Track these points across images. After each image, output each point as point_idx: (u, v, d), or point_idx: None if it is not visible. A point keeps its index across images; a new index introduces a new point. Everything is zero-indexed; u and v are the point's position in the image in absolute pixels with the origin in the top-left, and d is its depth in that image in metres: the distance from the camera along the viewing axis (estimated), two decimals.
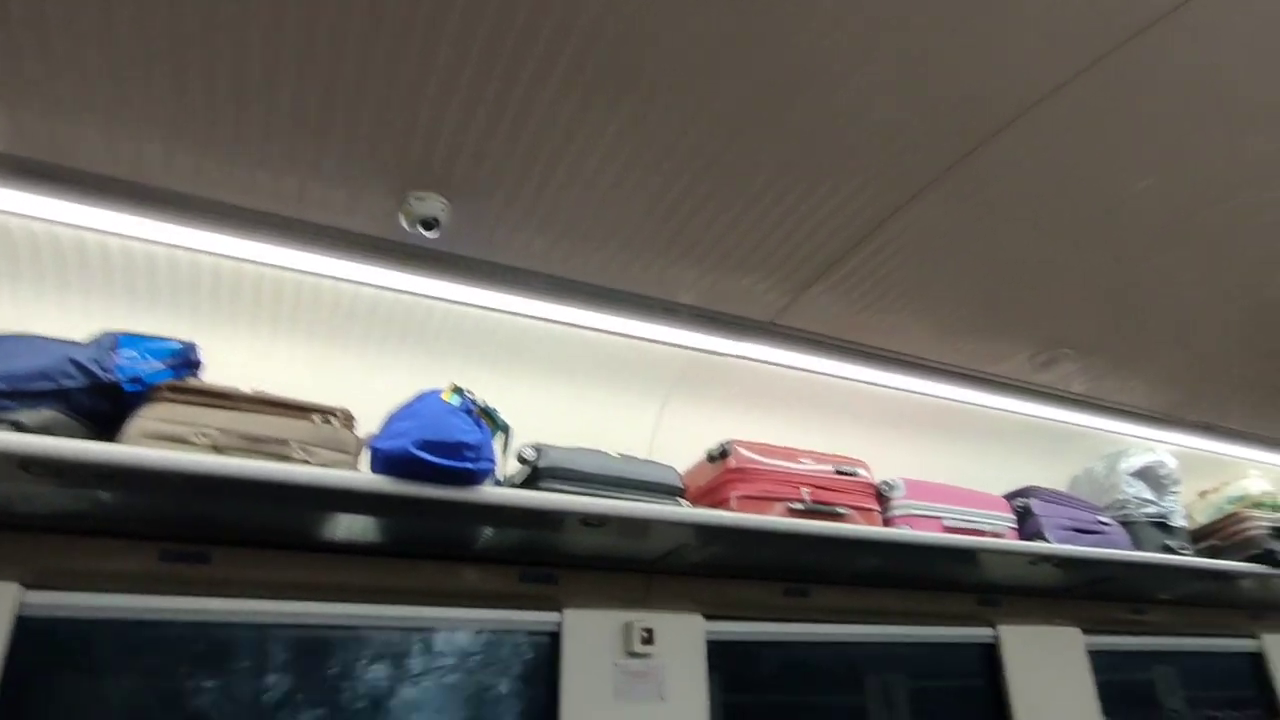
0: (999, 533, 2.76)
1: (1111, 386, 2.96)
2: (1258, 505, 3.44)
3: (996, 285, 2.28)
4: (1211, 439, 3.45)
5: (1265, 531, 3.32)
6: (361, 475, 1.80)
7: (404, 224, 1.77)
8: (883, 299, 2.26)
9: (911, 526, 2.60)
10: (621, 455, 2.27)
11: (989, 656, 3.25)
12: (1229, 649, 4.06)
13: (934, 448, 3.05)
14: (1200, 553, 3.35)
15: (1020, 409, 2.97)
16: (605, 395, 2.54)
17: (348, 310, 2.16)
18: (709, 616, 2.60)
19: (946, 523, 2.68)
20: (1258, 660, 4.00)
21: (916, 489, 2.70)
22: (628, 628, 2.44)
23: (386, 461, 1.81)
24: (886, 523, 2.60)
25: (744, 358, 2.47)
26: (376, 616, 2.23)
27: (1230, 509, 3.48)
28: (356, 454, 1.93)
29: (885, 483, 2.65)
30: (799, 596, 2.82)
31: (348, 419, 1.99)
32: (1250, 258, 2.26)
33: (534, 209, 1.82)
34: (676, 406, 2.62)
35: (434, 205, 1.71)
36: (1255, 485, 3.52)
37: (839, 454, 2.64)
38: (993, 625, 3.22)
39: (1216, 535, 3.40)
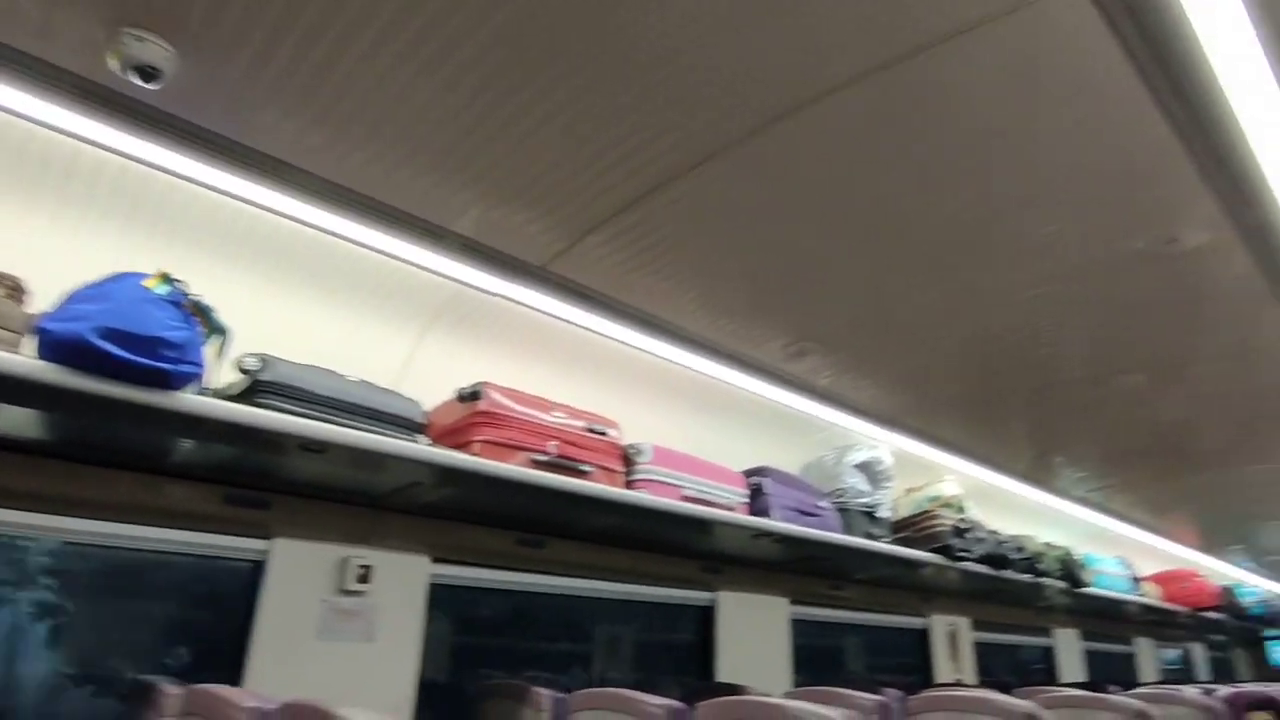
0: (731, 506, 2.91)
1: (849, 385, 3.22)
2: (947, 505, 3.93)
3: (764, 270, 2.36)
4: (923, 443, 3.89)
5: (949, 528, 3.81)
6: (17, 359, 1.49)
7: (114, 66, 1.46)
8: (657, 260, 2.25)
9: (652, 492, 2.66)
10: (360, 381, 2.09)
11: (705, 617, 3.46)
12: (905, 625, 4.66)
13: (686, 418, 3.15)
14: (896, 542, 3.78)
15: (770, 394, 3.14)
16: (355, 316, 2.33)
17: (40, 158, 1.77)
18: (437, 559, 2.51)
19: (686, 492, 2.78)
20: (924, 636, 4.62)
21: (663, 456, 2.77)
22: (343, 563, 2.28)
23: (55, 347, 1.52)
24: (629, 485, 2.64)
25: (512, 300, 2.37)
26: (43, 528, 1.91)
27: (927, 506, 3.95)
28: (22, 333, 1.60)
29: (633, 446, 2.69)
30: (533, 548, 2.80)
31: (16, 289, 1.65)
32: (983, 289, 2.51)
33: (288, 87, 1.59)
34: (434, 340, 2.46)
35: (155, 51, 1.43)
36: (949, 488, 4.02)
37: (593, 412, 2.63)
38: (713, 590, 3.42)
39: (911, 528, 3.85)
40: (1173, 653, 8.27)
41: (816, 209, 2.07)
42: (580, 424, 2.53)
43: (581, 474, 2.44)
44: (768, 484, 3.07)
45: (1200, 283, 2.30)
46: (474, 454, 2.20)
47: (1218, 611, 6.98)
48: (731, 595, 3.43)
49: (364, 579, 2.30)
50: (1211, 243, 2.01)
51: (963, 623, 4.76)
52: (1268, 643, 9.75)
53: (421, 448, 2.03)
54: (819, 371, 3.06)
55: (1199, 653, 8.56)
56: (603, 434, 2.58)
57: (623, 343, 2.70)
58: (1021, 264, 2.27)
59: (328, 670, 2.20)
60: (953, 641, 4.66)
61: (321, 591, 2.25)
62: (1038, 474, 4.84)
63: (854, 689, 2.88)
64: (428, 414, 2.29)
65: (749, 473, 3.12)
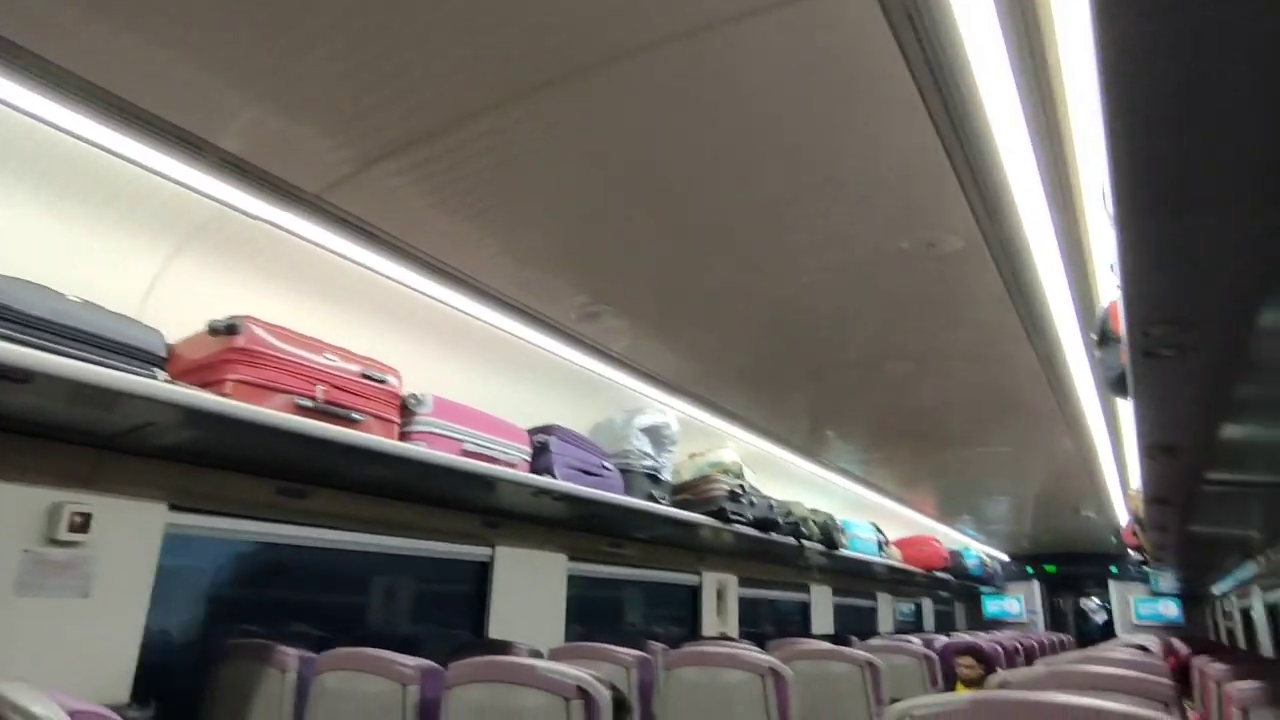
0: (514, 463, 2.88)
1: (643, 350, 3.27)
2: (726, 471, 4.15)
3: (565, 227, 2.31)
4: (709, 412, 4.06)
5: (725, 493, 4.02)
6: None
7: None
8: (453, 202, 2.12)
9: (430, 445, 2.56)
10: (85, 303, 1.82)
11: (482, 572, 3.43)
12: (680, 581, 4.90)
13: (475, 371, 3.06)
14: (675, 504, 3.94)
15: (564, 353, 3.12)
16: (91, 230, 2.01)
17: None
18: (175, 507, 2.27)
19: (467, 446, 2.70)
20: (695, 591, 4.89)
21: (445, 408, 2.67)
22: (55, 510, 2.00)
23: None
24: (404, 436, 2.53)
25: (282, 228, 2.15)
26: None
27: (707, 471, 4.15)
28: None
29: (413, 396, 2.57)
30: (295, 497, 2.61)
31: None
32: (770, 270, 2.60)
33: None
34: (187, 266, 2.19)
35: None
36: (729, 455, 4.25)
37: (373, 358, 2.48)
38: (492, 545, 3.39)
39: (690, 491, 4.02)
40: (908, 606, 9.41)
41: (620, 172, 2.04)
42: (355, 369, 2.37)
43: (351, 422, 2.29)
44: (553, 442, 3.06)
45: (953, 286, 2.54)
46: (223, 394, 1.99)
47: (946, 572, 8.00)
48: (509, 551, 3.42)
49: (81, 527, 2.03)
50: (964, 250, 2.22)
51: (731, 580, 5.09)
52: (984, 597, 11.35)
53: (154, 384, 1.79)
54: (615, 335, 3.08)
55: (928, 606, 9.80)
56: (380, 381, 2.44)
57: (411, 288, 2.55)
58: (804, 250, 2.38)
59: (28, 630, 1.93)
60: (720, 597, 4.97)
61: (25, 541, 1.95)
62: (811, 446, 5.24)
63: (623, 643, 2.98)
64: (172, 347, 2.05)
65: (535, 430, 3.10)
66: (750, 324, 3.14)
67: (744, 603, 5.41)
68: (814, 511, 5.13)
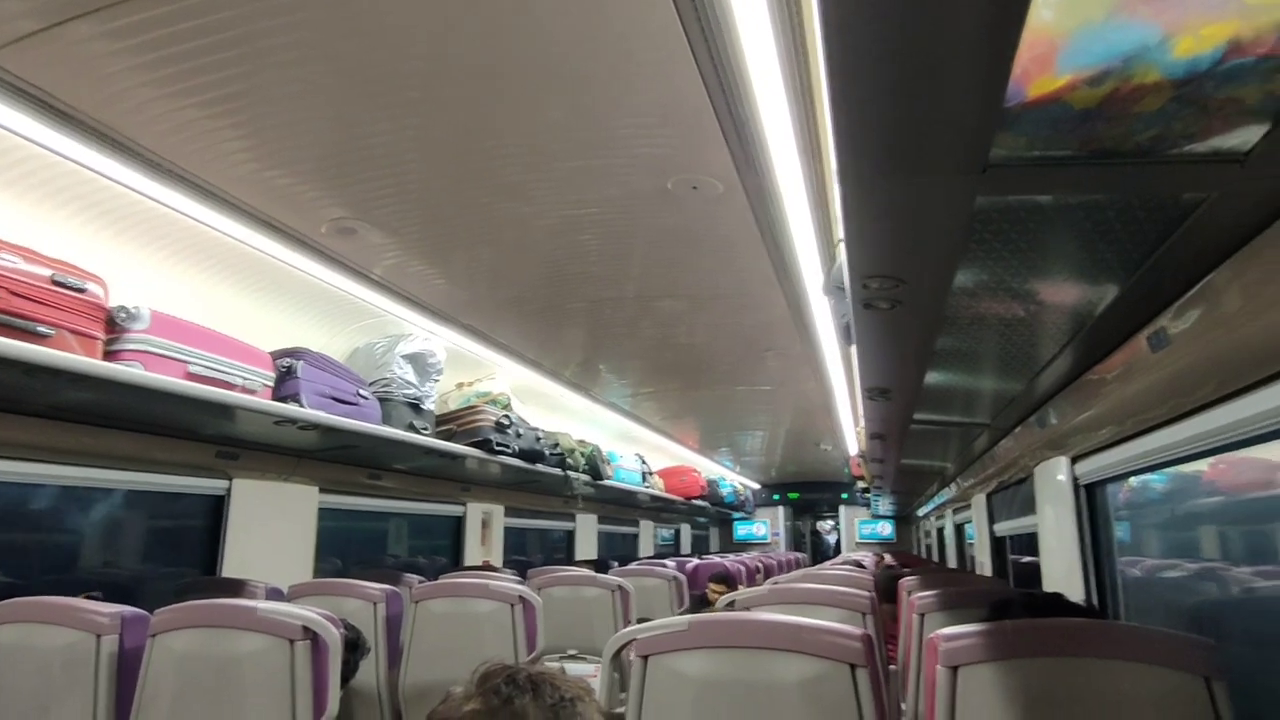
0: (252, 389, 2.62)
1: (408, 274, 3.08)
2: (493, 402, 4.10)
3: (315, 130, 2.06)
4: (478, 341, 3.95)
5: (491, 424, 3.98)
6: None
7: None
8: (178, 84, 1.80)
9: (147, 366, 2.25)
10: None
11: (217, 507, 3.13)
12: (445, 512, 4.83)
13: (208, 286, 2.72)
14: (440, 434, 3.83)
15: (317, 272, 2.85)
16: None
17: None
18: None
19: (193, 369, 2.42)
20: (460, 522, 4.85)
21: (166, 325, 2.36)
22: None
23: None
24: (112, 356, 2.20)
25: None
26: None
27: (474, 401, 4.07)
28: None
29: (124, 309, 2.24)
30: None
31: None
32: (540, 202, 2.52)
33: None
34: None
35: None
36: (497, 386, 4.19)
37: (72, 263, 2.11)
38: (228, 478, 3.10)
39: (456, 421, 3.93)
40: (668, 532, 10.06)
41: (382, 82, 1.84)
42: (43, 272, 2.01)
43: (37, 336, 1.94)
44: (301, 367, 2.83)
45: (714, 228, 2.63)
46: None
47: (704, 499, 8.62)
48: (250, 484, 3.15)
49: None
50: (724, 194, 2.30)
51: (497, 510, 5.10)
52: (735, 522, 12.42)
53: None
54: (374, 255, 2.86)
55: (687, 531, 10.54)
56: (78, 290, 2.09)
57: (125, 185, 2.17)
58: (572, 182, 2.33)
59: None
60: (486, 527, 4.97)
61: None
62: (582, 380, 5.32)
63: (381, 578, 2.87)
64: None
65: (280, 354, 2.84)
66: (521, 254, 3.06)
67: (511, 532, 5.46)
68: (581, 443, 5.25)
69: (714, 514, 10.38)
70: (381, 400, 3.32)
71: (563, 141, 2.12)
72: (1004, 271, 1.33)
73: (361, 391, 3.14)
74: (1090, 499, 2.46)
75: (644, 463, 6.84)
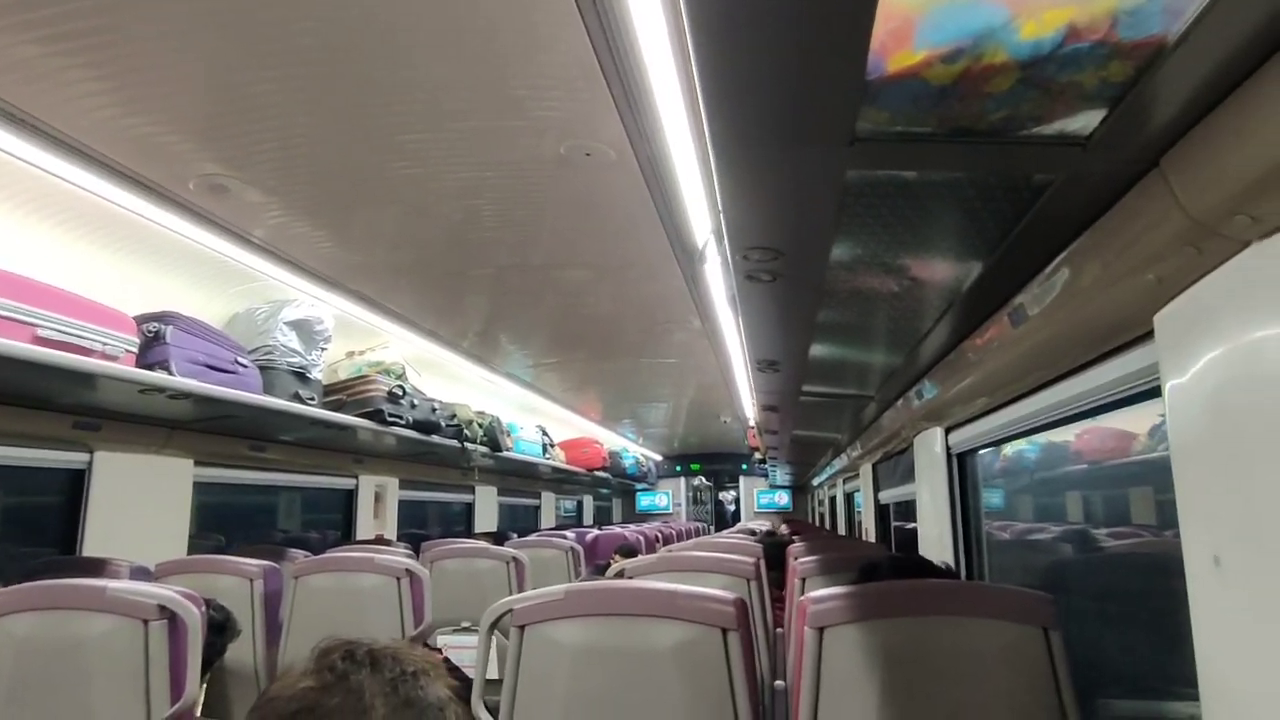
0: (113, 355, 2.44)
1: (294, 236, 2.92)
2: (386, 371, 3.98)
3: (183, 77, 1.90)
4: (371, 309, 3.81)
5: (383, 394, 3.86)
6: None
7: None
8: (14, 15, 1.63)
9: None
10: None
11: (78, 481, 2.92)
12: (336, 485, 4.67)
13: (63, 244, 2.51)
14: (329, 405, 3.69)
15: (190, 232, 2.67)
16: None
17: None
18: None
19: (42, 333, 2.23)
20: (352, 495, 4.71)
21: (11, 285, 2.17)
22: None
23: None
24: None
25: None
26: None
27: (366, 371, 3.93)
28: None
29: None
30: None
31: None
32: (432, 164, 2.42)
33: None
34: None
35: None
36: (390, 355, 4.06)
37: None
38: (89, 450, 2.89)
39: (346, 391, 3.79)
40: (571, 503, 10.08)
41: (267, 28, 1.71)
42: None
43: None
44: (170, 333, 2.66)
45: (610, 197, 2.60)
46: None
47: (606, 471, 8.67)
48: (114, 457, 2.95)
49: None
50: (618, 162, 2.27)
51: (391, 483, 4.97)
52: (638, 493, 12.56)
53: None
54: (253, 215, 2.70)
55: (589, 502, 10.60)
56: None
57: None
58: (464, 145, 2.26)
59: None
60: (379, 500, 4.85)
61: None
62: (482, 350, 5.22)
63: (260, 554, 2.75)
64: None
65: (146, 318, 2.65)
66: (416, 217, 2.95)
67: (407, 505, 5.34)
68: (480, 414, 5.17)
69: (616, 485, 10.47)
70: (263, 369, 3.16)
71: (456, 102, 2.05)
72: (878, 246, 1.37)
73: (240, 359, 2.98)
74: (962, 468, 2.60)
75: (545, 434, 6.80)
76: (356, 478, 4.66)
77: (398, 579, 2.38)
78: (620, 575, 2.29)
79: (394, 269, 3.53)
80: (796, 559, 2.57)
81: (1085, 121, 0.90)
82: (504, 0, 1.61)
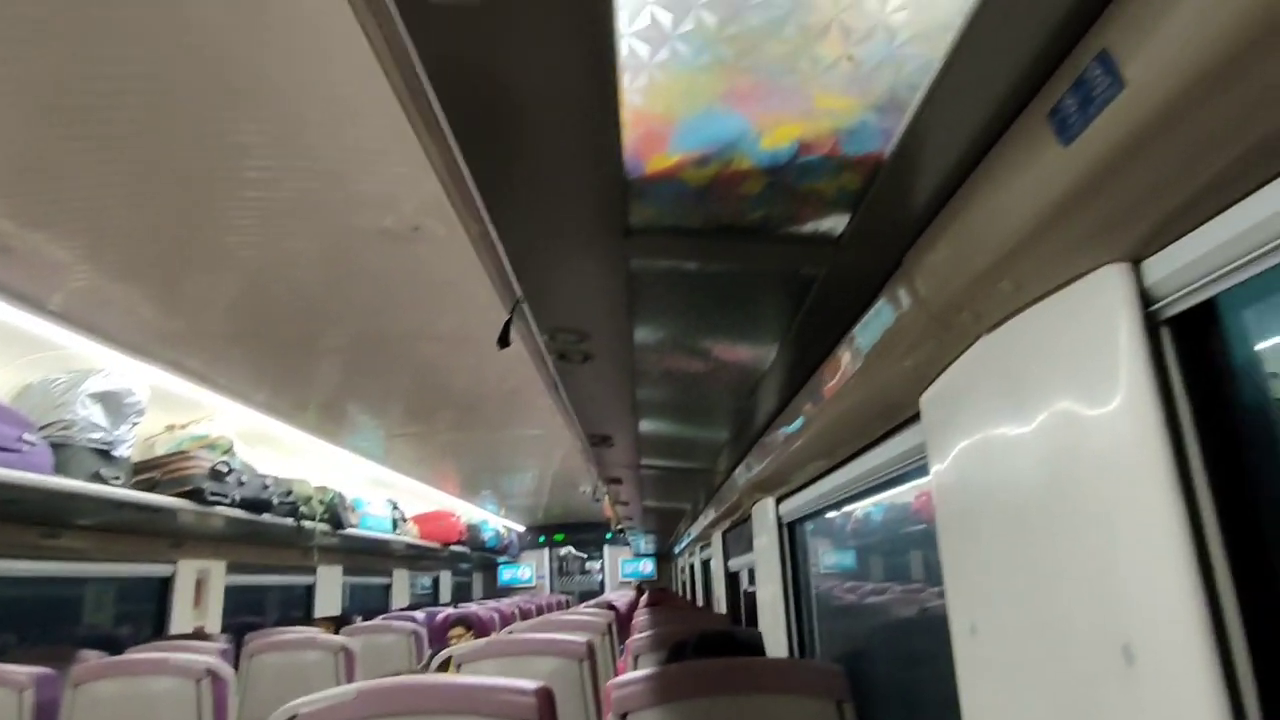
0: None
1: (104, 300, 2.70)
2: (211, 446, 3.70)
3: None
4: (195, 380, 3.55)
5: (205, 471, 3.57)
6: None
7: None
8: None
9: None
10: None
11: None
12: (149, 574, 4.23)
13: None
14: (140, 484, 3.37)
15: None
16: None
17: None
18: None
19: None
20: (168, 583, 4.27)
21: None
22: None
23: None
24: None
25: None
26: None
27: (188, 446, 3.64)
28: None
29: None
30: None
31: None
32: (252, 231, 2.33)
33: None
34: None
35: None
36: (216, 428, 3.79)
37: None
38: None
39: (161, 469, 3.48)
40: (428, 579, 9.61)
41: (51, 84, 1.61)
42: None
43: None
44: None
45: (445, 272, 2.58)
46: None
47: (464, 545, 8.35)
48: None
49: None
50: (448, 237, 2.26)
51: (216, 567, 4.56)
52: (500, 566, 12.17)
53: None
54: (52, 279, 2.48)
55: (447, 578, 10.14)
56: None
57: None
58: (285, 214, 2.18)
59: None
60: (201, 587, 4.43)
61: None
62: (326, 423, 4.96)
63: (38, 658, 2.43)
64: None
65: None
66: (248, 285, 2.80)
67: (236, 590, 4.90)
68: (321, 490, 4.88)
69: (477, 559, 10.10)
70: (58, 446, 2.85)
71: (272, 169, 1.98)
72: (681, 329, 1.42)
73: (26, 436, 2.68)
74: (792, 535, 2.69)
75: (397, 509, 6.50)
76: (175, 563, 4.25)
77: (197, 681, 2.16)
78: (447, 664, 2.18)
79: (224, 337, 3.32)
80: (633, 635, 2.55)
81: (835, 223, 0.98)
82: (313, 71, 1.59)
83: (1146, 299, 0.75)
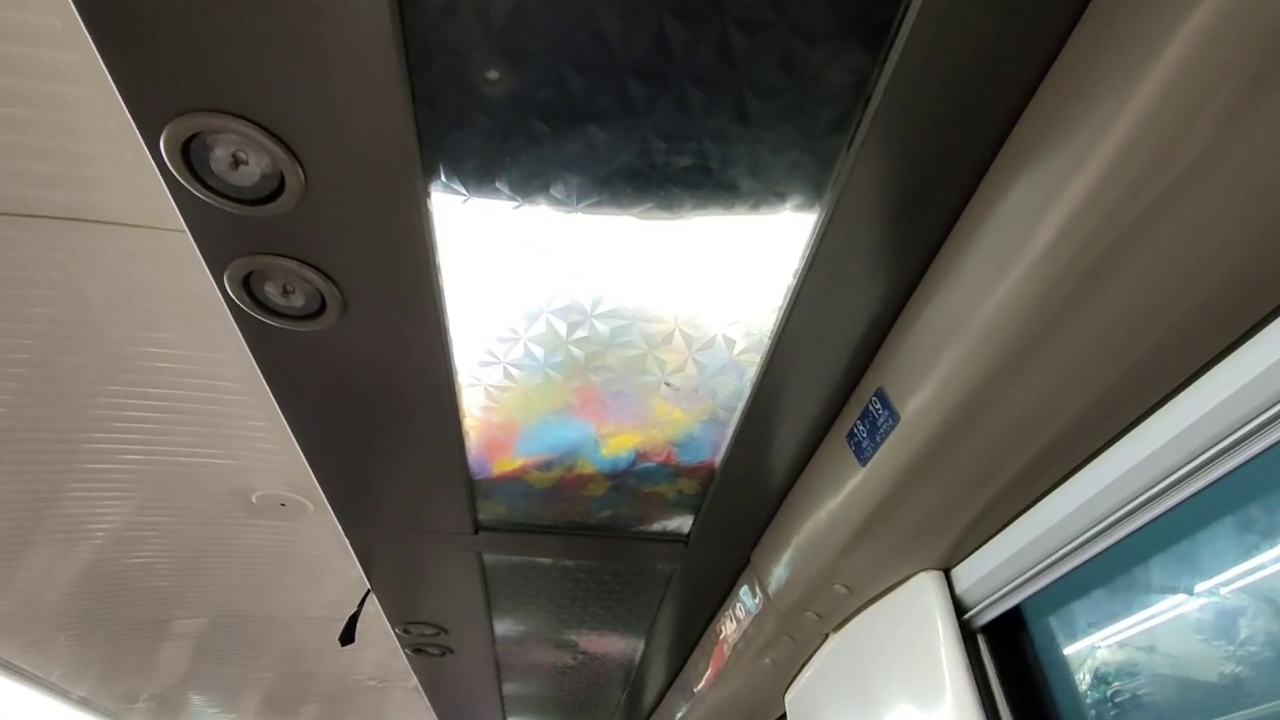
0: None
1: None
2: None
3: None
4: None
5: None
6: None
7: None
8: None
9: None
10: None
11: None
12: None
13: None
14: None
15: None
16: None
17: None
18: None
19: None
20: None
21: None
22: None
23: None
24: None
25: None
26: None
27: None
28: None
29: None
30: None
31: None
32: (114, 508, 2.20)
33: None
34: None
35: None
36: None
37: None
38: None
39: None
40: None
41: None
42: None
43: None
44: None
45: (313, 547, 2.45)
46: None
47: None
48: None
49: None
50: (315, 513, 2.18)
51: None
52: None
53: None
54: None
55: None
56: None
57: None
58: (135, 488, 2.08)
59: None
60: None
61: None
62: (163, 717, 4.32)
63: None
64: None
65: None
66: (82, 564, 2.57)
67: None
68: None
69: None
70: None
71: (128, 443, 1.92)
72: (544, 623, 1.36)
73: None
74: None
75: None
76: None
77: None
78: None
79: (50, 622, 2.96)
80: None
81: (681, 522, 1.01)
82: (169, 328, 1.60)
83: (959, 606, 0.78)
